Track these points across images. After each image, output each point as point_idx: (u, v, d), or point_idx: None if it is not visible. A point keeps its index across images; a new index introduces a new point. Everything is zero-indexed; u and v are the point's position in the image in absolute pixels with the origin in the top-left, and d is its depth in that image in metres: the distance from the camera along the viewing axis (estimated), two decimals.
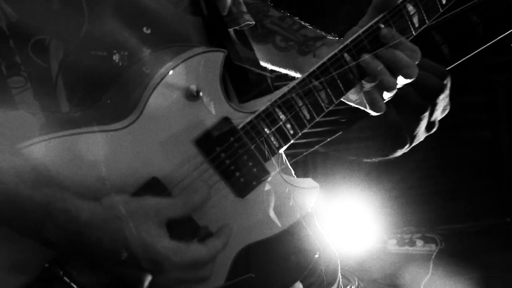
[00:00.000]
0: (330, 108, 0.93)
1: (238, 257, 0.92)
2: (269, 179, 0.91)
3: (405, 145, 0.94)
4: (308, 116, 0.90)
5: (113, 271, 0.76)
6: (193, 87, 0.81)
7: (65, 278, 0.78)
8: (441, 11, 0.96)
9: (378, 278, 2.82)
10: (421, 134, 0.94)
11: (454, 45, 1.01)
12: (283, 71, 1.14)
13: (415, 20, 0.94)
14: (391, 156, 0.95)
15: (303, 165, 3.31)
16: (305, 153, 1.08)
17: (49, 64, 0.87)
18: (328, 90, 0.90)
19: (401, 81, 0.92)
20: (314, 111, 0.90)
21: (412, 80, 0.92)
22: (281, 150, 0.91)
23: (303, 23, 1.13)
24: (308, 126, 0.91)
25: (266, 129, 0.88)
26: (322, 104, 0.90)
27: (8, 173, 0.71)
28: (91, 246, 0.74)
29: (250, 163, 0.88)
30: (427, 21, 0.95)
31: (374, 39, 0.91)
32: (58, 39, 0.88)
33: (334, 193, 3.15)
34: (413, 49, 0.90)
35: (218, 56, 0.84)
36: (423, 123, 0.93)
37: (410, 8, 0.93)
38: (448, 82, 0.93)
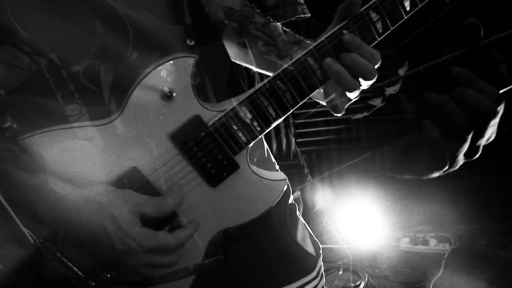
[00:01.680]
0: (296, 107, 1.01)
1: (213, 241, 1.03)
2: (239, 171, 1.01)
3: (443, 168, 0.89)
4: (274, 115, 0.99)
5: (91, 250, 0.89)
6: (166, 89, 0.92)
7: (57, 253, 0.92)
8: (405, 17, 1.02)
9: (389, 275, 2.85)
10: (461, 158, 0.87)
11: None
12: (265, 72, 1.24)
13: (379, 26, 1.01)
14: (425, 177, 0.91)
15: (318, 163, 3.37)
16: (342, 167, 1.15)
17: (101, 88, 0.96)
18: (293, 91, 0.99)
19: (364, 83, 1.00)
20: (280, 110, 0.99)
21: (371, 81, 0.99)
22: (250, 145, 1.01)
23: (284, 29, 1.22)
24: (275, 123, 1.00)
25: (234, 126, 0.97)
26: (287, 104, 0.99)
27: (5, 160, 0.85)
28: (73, 225, 0.87)
29: (220, 156, 0.98)
30: (391, 27, 1.02)
31: (337, 44, 0.98)
32: (107, 63, 0.95)
33: (349, 189, 3.20)
34: (372, 53, 0.97)
35: (190, 61, 0.94)
36: (465, 146, 0.86)
37: (373, 15, 1.00)
38: (501, 109, 0.85)
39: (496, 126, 0.82)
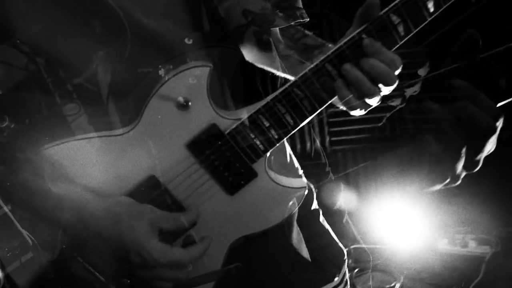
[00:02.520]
0: (315, 114, 0.99)
1: (233, 248, 1.03)
2: (257, 179, 1.00)
3: (444, 181, 0.93)
4: (292, 123, 0.98)
5: (109, 259, 0.91)
6: (181, 99, 0.93)
7: (79, 258, 0.95)
8: (428, 19, 0.98)
9: (426, 277, 2.77)
10: (461, 171, 0.91)
11: None
12: (286, 76, 1.22)
13: (400, 29, 0.97)
14: (427, 190, 0.94)
15: (353, 160, 3.31)
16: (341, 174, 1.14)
17: (99, 88, 0.96)
18: (311, 98, 0.97)
19: (384, 89, 0.97)
20: (298, 117, 0.98)
21: (391, 87, 0.96)
22: (268, 153, 1.00)
23: (306, 32, 1.19)
24: (293, 131, 0.99)
25: (251, 134, 0.97)
26: (306, 111, 0.97)
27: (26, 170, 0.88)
28: (92, 233, 0.89)
29: (237, 164, 0.98)
30: (413, 29, 0.98)
31: (356, 49, 0.96)
32: (105, 62, 0.95)
33: (387, 188, 3.13)
34: (393, 58, 0.94)
35: (204, 70, 0.94)
36: (462, 160, 0.90)
37: (394, 18, 0.96)
38: (500, 124, 0.88)
39: (495, 139, 0.82)
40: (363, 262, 3.06)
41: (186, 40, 1.00)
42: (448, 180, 0.84)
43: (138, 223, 0.88)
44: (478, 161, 0.85)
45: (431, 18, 0.99)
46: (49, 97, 0.94)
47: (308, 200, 1.30)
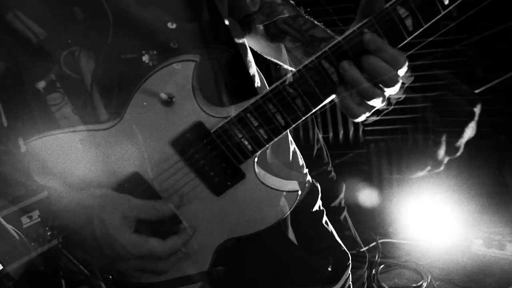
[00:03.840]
0: (309, 115, 0.92)
1: (220, 249, 0.99)
2: (245, 180, 0.95)
3: (425, 168, 0.91)
4: (283, 123, 0.91)
5: (89, 253, 0.90)
6: (164, 95, 0.88)
7: (63, 251, 0.95)
8: (442, 12, 0.87)
9: (456, 278, 2.63)
10: (443, 157, 0.89)
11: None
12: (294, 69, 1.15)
13: (408, 23, 0.87)
14: (410, 176, 0.92)
15: (386, 153, 3.18)
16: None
17: (82, 76, 0.93)
18: (304, 97, 0.90)
19: (387, 90, 0.88)
20: (290, 117, 0.91)
21: (394, 88, 0.87)
22: (257, 154, 0.94)
23: (315, 22, 1.11)
24: (284, 132, 0.92)
25: (238, 134, 0.91)
26: (299, 112, 0.90)
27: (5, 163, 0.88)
28: (68, 227, 0.88)
29: (224, 164, 0.93)
30: (424, 24, 0.88)
31: (356, 45, 0.87)
32: (88, 49, 0.92)
33: (421, 187, 2.99)
34: (395, 57, 0.85)
35: (190, 65, 0.89)
36: (443, 147, 0.88)
37: (402, 11, 0.86)
38: (478, 109, 0.85)
39: (475, 125, 0.79)
40: (390, 258, 2.95)
41: (169, 25, 0.94)
42: (429, 168, 0.82)
43: (109, 216, 0.86)
44: (459, 147, 0.83)
45: (445, 12, 0.88)
46: (31, 87, 0.92)
47: (311, 200, 1.24)
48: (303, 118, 0.92)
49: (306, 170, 1.26)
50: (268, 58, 1.25)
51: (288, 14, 1.13)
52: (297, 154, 1.25)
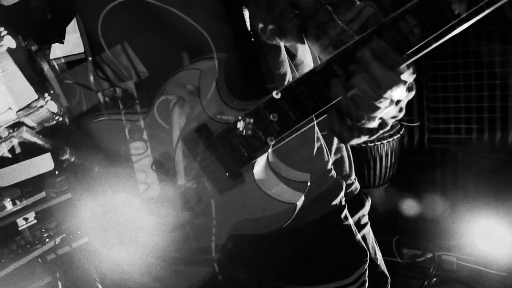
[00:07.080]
0: (303, 123, 0.94)
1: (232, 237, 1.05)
2: (245, 184, 1.00)
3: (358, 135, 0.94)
4: (278, 129, 0.94)
5: None
6: (187, 89, 0.96)
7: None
8: (452, 21, 0.81)
9: None
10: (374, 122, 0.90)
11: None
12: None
13: (417, 31, 0.82)
14: (349, 143, 0.94)
15: (452, 161, 3.04)
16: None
17: (171, 127, 0.98)
18: (295, 110, 0.92)
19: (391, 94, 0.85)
20: (285, 126, 0.94)
21: (397, 90, 0.84)
22: (257, 159, 0.99)
23: (344, 28, 1.07)
24: (282, 142, 0.96)
25: (235, 139, 0.98)
26: (291, 122, 0.93)
27: None
28: None
29: (223, 168, 1.01)
30: (431, 33, 0.82)
31: (344, 60, 0.87)
32: (187, 101, 0.96)
33: (487, 198, 2.85)
34: (377, 80, 0.82)
35: (213, 63, 0.95)
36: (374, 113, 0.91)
37: (410, 19, 0.82)
38: (408, 76, 0.86)
39: (405, 89, 0.83)
40: (447, 272, 2.84)
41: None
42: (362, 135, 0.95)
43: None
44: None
45: (455, 21, 0.81)
46: (117, 132, 1.00)
47: (332, 193, 1.26)
48: (296, 126, 0.94)
49: (330, 166, 1.30)
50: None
51: (321, 19, 1.11)
52: (323, 150, 1.28)
